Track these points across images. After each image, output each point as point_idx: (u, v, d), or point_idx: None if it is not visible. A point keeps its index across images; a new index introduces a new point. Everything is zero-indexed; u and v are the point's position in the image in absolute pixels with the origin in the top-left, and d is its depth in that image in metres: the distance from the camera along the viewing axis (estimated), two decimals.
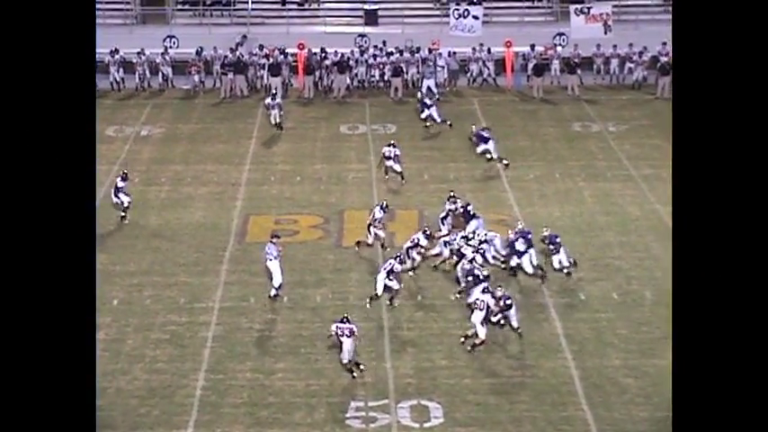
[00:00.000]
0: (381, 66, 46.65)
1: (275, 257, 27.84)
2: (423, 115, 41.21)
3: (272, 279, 27.89)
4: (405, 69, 46.41)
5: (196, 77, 46.41)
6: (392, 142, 36.66)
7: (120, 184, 32.67)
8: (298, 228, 32.42)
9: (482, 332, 25.12)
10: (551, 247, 29.26)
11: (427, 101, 41.42)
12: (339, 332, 24.48)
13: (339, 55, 46.25)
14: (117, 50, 46.49)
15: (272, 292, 27.81)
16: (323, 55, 46.44)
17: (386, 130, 41.57)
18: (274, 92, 38.25)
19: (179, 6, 53.01)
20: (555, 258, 29.19)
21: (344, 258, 30.35)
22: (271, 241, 28.23)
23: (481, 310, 25.19)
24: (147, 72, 47.00)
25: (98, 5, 51.75)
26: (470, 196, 34.53)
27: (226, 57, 46.24)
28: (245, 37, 48.57)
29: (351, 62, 46.44)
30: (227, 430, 22.54)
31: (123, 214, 32.49)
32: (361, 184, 36.03)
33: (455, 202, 31.18)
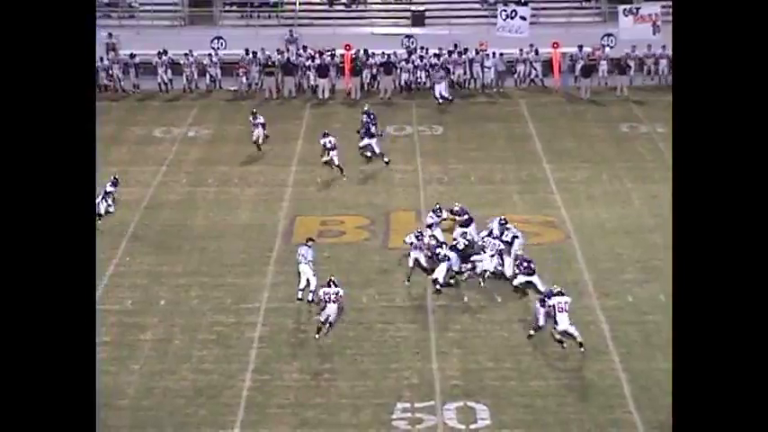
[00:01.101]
0: (428, 67, 46.57)
1: (307, 261, 27.94)
2: (361, 144, 38.67)
3: (299, 282, 28.00)
4: (451, 70, 46.32)
5: (243, 79, 46.55)
6: (326, 131, 37.24)
7: (109, 188, 32.82)
8: (344, 229, 32.43)
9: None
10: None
11: (372, 129, 38.67)
12: (326, 297, 25.86)
13: (386, 56, 46.26)
14: (165, 52, 46.73)
15: (300, 295, 27.88)
16: (369, 56, 46.48)
17: (432, 131, 41.52)
18: (255, 110, 37.90)
19: (226, 8, 53.21)
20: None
21: (391, 259, 30.30)
22: (306, 244, 28.32)
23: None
24: (195, 73, 47.21)
25: (147, 7, 52.42)
26: (517, 198, 34.48)
27: (269, 57, 46.35)
28: (293, 37, 48.71)
29: (397, 63, 46.42)
30: (274, 431, 22.57)
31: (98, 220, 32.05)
32: (407, 185, 35.98)
33: (440, 215, 30.78)
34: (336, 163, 36.38)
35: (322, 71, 45.91)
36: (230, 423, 22.80)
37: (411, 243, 28.94)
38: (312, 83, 46.32)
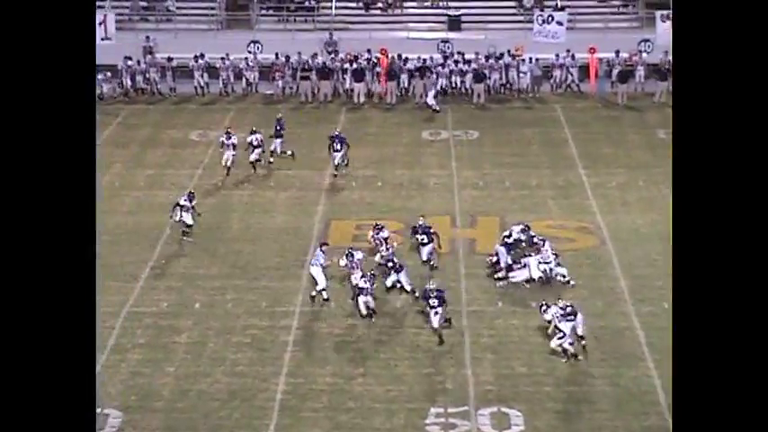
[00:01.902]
0: (463, 72, 46.54)
1: (319, 264, 28.09)
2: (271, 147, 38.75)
3: (316, 284, 28.09)
4: (487, 75, 46.26)
5: (279, 83, 46.67)
6: (254, 129, 37.71)
7: (183, 202, 32.01)
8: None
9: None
10: (423, 237, 29.91)
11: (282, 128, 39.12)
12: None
13: (421, 60, 46.27)
14: (202, 55, 46.93)
15: (313, 293, 28.01)
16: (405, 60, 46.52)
17: (468, 135, 41.48)
18: (228, 130, 37.40)
19: (263, 12, 53.35)
20: (424, 250, 29.91)
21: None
22: (320, 249, 28.39)
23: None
24: (231, 77, 47.37)
25: (183, 11, 52.65)
26: (552, 203, 34.38)
27: (307, 62, 46.45)
28: (333, 41, 48.82)
29: (433, 68, 46.42)
30: None
31: (188, 233, 31.96)
32: (442, 190, 35.95)
33: (378, 232, 30.31)
34: (254, 159, 37.22)
35: (358, 75, 45.97)
36: (264, 426, 22.83)
37: (345, 264, 28.47)
38: (348, 87, 46.38)
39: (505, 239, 29.57)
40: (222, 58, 47.14)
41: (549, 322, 25.48)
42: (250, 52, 48.58)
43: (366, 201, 35.13)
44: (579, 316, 25.53)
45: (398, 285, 28.38)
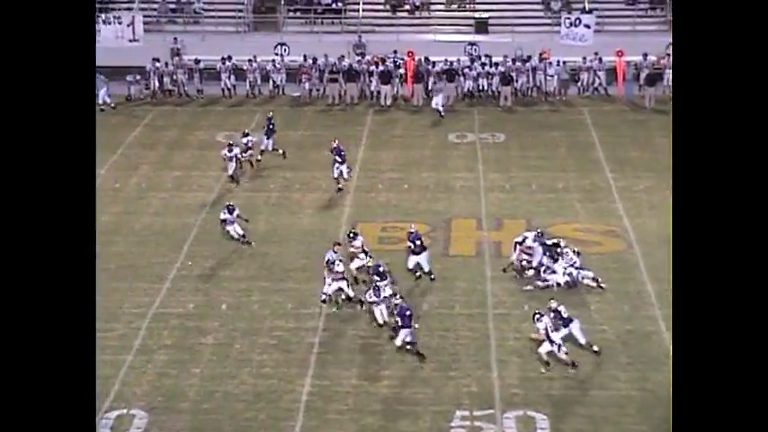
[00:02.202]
0: (490, 75, 46.50)
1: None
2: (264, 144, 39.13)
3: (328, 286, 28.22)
4: (514, 78, 46.19)
5: (306, 85, 46.73)
6: (247, 131, 38.13)
7: (224, 215, 31.63)
8: (404, 236, 32.34)
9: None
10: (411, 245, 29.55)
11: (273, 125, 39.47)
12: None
13: (448, 63, 46.25)
14: (229, 57, 47.04)
15: (322, 297, 28.12)
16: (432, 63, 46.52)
17: (494, 138, 41.42)
18: (231, 143, 36.92)
19: (290, 14, 53.43)
20: (412, 259, 29.52)
21: (451, 267, 30.26)
22: (333, 250, 28.47)
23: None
24: (258, 79, 47.47)
25: (210, 13, 52.76)
26: (579, 206, 34.29)
27: (334, 64, 46.50)
28: (361, 43, 48.88)
29: (460, 71, 46.40)
30: None
31: (246, 241, 31.80)
32: (468, 192, 35.91)
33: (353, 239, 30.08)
34: (245, 159, 37.46)
35: (384, 78, 45.98)
36: (289, 428, 22.86)
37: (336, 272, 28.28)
38: (374, 89, 46.38)
39: (517, 244, 29.47)
40: (249, 60, 47.23)
41: (539, 332, 25.10)
42: (277, 54, 48.73)
43: (392, 203, 35.12)
44: (576, 323, 25.41)
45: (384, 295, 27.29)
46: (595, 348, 25.43)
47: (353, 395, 24.03)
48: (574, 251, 29.09)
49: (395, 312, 25.73)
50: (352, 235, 29.95)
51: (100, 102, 45.22)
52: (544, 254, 29.02)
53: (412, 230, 29.76)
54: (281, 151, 38.78)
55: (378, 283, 27.07)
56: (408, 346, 25.47)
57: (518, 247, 29.44)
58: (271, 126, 38.98)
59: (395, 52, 47.15)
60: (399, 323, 25.53)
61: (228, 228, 31.56)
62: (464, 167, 38.36)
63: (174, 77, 47.60)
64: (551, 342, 24.77)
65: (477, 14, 52.11)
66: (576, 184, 36.47)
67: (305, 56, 47.14)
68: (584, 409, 23.41)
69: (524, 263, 29.35)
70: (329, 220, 33.56)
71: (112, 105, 45.40)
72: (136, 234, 32.62)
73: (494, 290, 28.80)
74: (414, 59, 46.53)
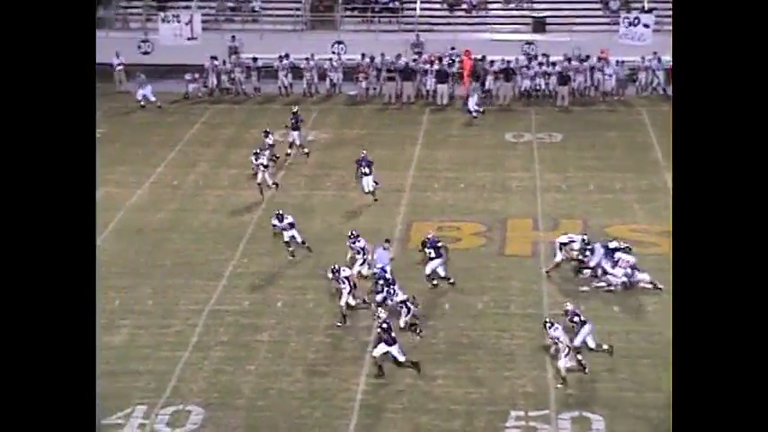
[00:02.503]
0: (547, 74, 46.32)
1: (384, 265, 28.21)
2: (291, 138, 39.59)
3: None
4: (572, 77, 45.96)
5: (363, 84, 46.78)
6: (267, 130, 38.16)
7: (275, 221, 31.07)
8: (460, 235, 32.37)
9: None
10: (431, 252, 28.97)
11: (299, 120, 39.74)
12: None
13: (505, 62, 46.12)
14: (287, 56, 47.20)
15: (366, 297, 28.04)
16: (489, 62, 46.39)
17: (551, 138, 41.26)
18: (257, 151, 35.95)
19: (348, 13, 53.52)
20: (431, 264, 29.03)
21: (506, 266, 30.17)
22: (383, 247, 28.45)
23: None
24: (315, 77, 47.60)
25: (268, 11, 52.98)
26: (636, 207, 34.08)
27: (392, 63, 46.52)
28: (419, 42, 48.90)
29: (517, 70, 46.27)
30: None
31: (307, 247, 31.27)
32: (524, 192, 35.79)
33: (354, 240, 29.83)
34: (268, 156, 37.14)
35: (441, 77, 45.93)
36: (344, 426, 22.87)
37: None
38: (430, 88, 46.34)
39: (561, 245, 29.24)
40: (306, 59, 47.38)
41: (556, 340, 24.60)
42: (334, 53, 48.87)
43: (448, 202, 35.08)
44: (589, 326, 25.18)
45: (389, 301, 26.84)
46: (605, 347, 25.21)
47: (408, 394, 24.00)
48: (629, 252, 28.86)
49: (377, 321, 24.95)
50: (353, 236, 29.52)
51: (139, 99, 45.64)
52: (605, 255, 28.82)
53: (429, 236, 29.40)
54: (306, 150, 39.11)
55: (387, 289, 26.78)
56: (392, 360, 24.80)
57: (563, 248, 29.25)
58: (296, 121, 39.18)
59: (452, 48, 47.15)
60: (381, 335, 24.66)
61: (285, 234, 30.73)
62: (520, 167, 38.24)
63: (232, 76, 47.86)
64: (565, 348, 24.30)
65: (534, 13, 51.94)
66: (634, 184, 36.23)
67: (362, 54, 47.21)
68: (640, 410, 23.23)
69: (581, 263, 29.15)
70: (384, 220, 33.56)
71: (158, 104, 45.70)
72: (193, 231, 32.80)
73: (549, 290, 28.67)
74: (470, 58, 46.44)
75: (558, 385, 24.08)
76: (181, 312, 27.76)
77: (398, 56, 46.94)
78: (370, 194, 34.84)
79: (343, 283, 27.23)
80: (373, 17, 52.88)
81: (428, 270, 29.05)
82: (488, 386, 24.22)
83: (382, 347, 24.61)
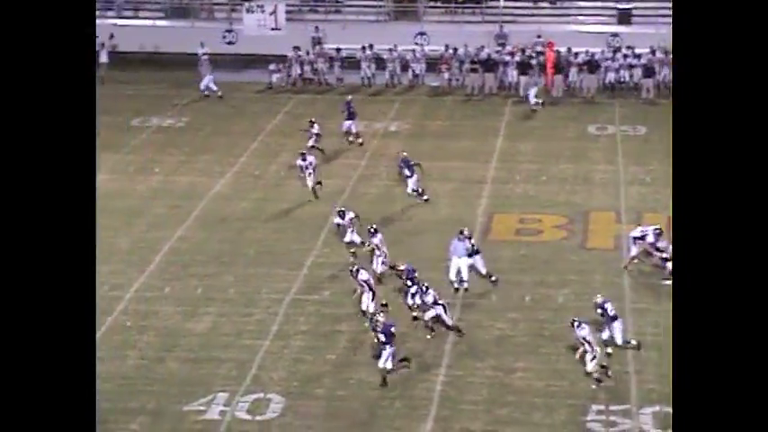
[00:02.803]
0: (632, 66, 45.89)
1: (461, 256, 28.00)
2: (345, 127, 39.86)
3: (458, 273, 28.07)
4: (657, 70, 45.47)
5: (446, 75, 46.70)
6: (313, 120, 38.15)
7: (338, 220, 30.67)
8: (542, 227, 32.21)
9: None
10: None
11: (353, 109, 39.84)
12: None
13: (590, 54, 45.78)
14: (371, 46, 47.27)
15: (456, 285, 28.01)
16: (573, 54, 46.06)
17: (635, 131, 40.90)
18: (304, 152, 35.12)
19: (431, 3, 53.45)
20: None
21: (588, 260, 29.97)
22: (458, 238, 28.26)
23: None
24: (398, 68, 47.60)
25: (352, 2, 53.14)
26: None
27: (475, 54, 46.39)
28: (503, 33, 48.75)
29: (601, 62, 45.90)
30: (466, 426, 22.54)
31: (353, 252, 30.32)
32: (607, 185, 35.52)
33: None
34: (318, 146, 37.56)
35: (523, 68, 45.68)
36: (422, 417, 22.87)
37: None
38: (513, 80, 46.11)
39: (636, 239, 28.91)
40: (389, 50, 47.42)
41: (584, 340, 24.07)
42: (417, 44, 48.86)
43: (530, 194, 34.92)
44: (619, 322, 24.91)
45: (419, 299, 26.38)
46: (634, 342, 24.98)
47: (487, 386, 23.94)
48: None
49: (378, 329, 24.35)
50: (372, 231, 29.17)
51: (202, 89, 46.00)
52: None
53: (464, 232, 28.81)
54: (360, 140, 39.21)
55: (412, 289, 26.45)
56: (397, 364, 24.34)
57: (637, 242, 28.93)
58: (350, 110, 39.33)
59: (539, 36, 46.93)
60: (383, 341, 24.17)
61: (346, 237, 30.08)
62: (603, 160, 37.95)
63: (315, 66, 48.03)
64: (592, 349, 23.92)
65: (620, 5, 51.46)
66: None
67: (446, 46, 47.11)
68: None
69: (660, 256, 28.81)
70: (466, 211, 33.49)
71: (219, 94, 45.98)
72: (275, 221, 33.00)
73: (631, 284, 28.45)
74: (553, 50, 46.15)
75: (593, 386, 23.75)
76: (262, 301, 27.95)
77: (481, 47, 46.78)
78: (416, 194, 33.89)
79: (362, 285, 26.78)
80: (457, 8, 52.75)
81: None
82: (569, 379, 24.07)
83: (387, 352, 24.06)
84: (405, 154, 34.53)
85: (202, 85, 46.26)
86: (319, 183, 34.53)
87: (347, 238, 30.13)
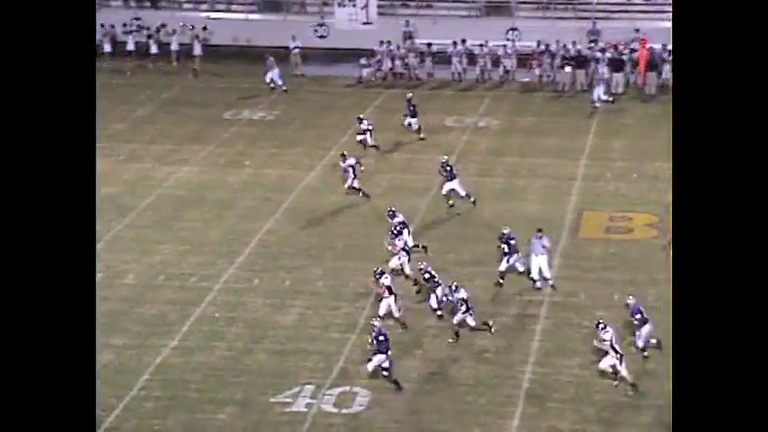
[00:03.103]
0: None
1: (538, 254, 27.87)
2: (405, 122, 39.88)
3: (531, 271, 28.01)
4: None
5: (536, 71, 46.46)
6: (360, 116, 38.12)
7: (388, 219, 30.24)
8: (632, 226, 31.92)
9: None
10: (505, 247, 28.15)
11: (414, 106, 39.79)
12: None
13: None
14: (463, 41, 47.16)
15: (539, 285, 27.88)
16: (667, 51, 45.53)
17: None
18: (344, 153, 34.83)
19: None
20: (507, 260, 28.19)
21: None
22: (536, 237, 28.12)
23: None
24: (489, 64, 47.45)
25: None
26: None
27: (567, 50, 46.07)
28: (595, 29, 48.36)
29: None
30: (553, 425, 22.43)
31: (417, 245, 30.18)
32: None
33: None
34: (371, 143, 37.58)
35: (616, 65, 45.25)
36: (509, 414, 22.79)
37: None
38: (605, 76, 45.67)
39: None
40: (481, 45, 47.27)
41: (606, 344, 23.65)
42: (508, 39, 48.61)
43: (621, 192, 34.62)
44: (649, 325, 24.59)
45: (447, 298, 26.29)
46: (654, 341, 24.74)
47: (575, 384, 23.78)
48: None
49: (371, 333, 24.05)
50: (396, 232, 28.93)
51: (268, 82, 46.21)
52: None
53: (506, 232, 28.46)
54: (422, 135, 39.32)
55: (437, 286, 26.51)
56: (384, 373, 23.89)
57: None
58: (411, 107, 39.33)
59: (636, 30, 46.47)
60: (375, 347, 23.78)
61: (397, 239, 29.19)
62: None
63: (406, 61, 48.04)
64: (616, 353, 23.49)
65: None
66: None
67: (538, 41, 46.86)
68: None
69: None
70: (555, 208, 33.30)
71: (284, 88, 46.16)
72: (363, 214, 33.07)
73: None
74: (645, 47, 45.64)
75: (615, 383, 23.54)
76: (350, 295, 28.03)
77: (573, 43, 46.44)
78: (447, 199, 33.15)
79: (383, 290, 26.37)
80: (549, 4, 52.41)
81: (503, 266, 28.24)
82: (658, 379, 23.81)
83: (378, 358, 23.78)
84: (446, 158, 33.90)
85: (267, 78, 46.52)
86: (353, 188, 34.10)
87: (399, 243, 29.23)
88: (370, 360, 24.03)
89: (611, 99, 43.16)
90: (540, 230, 28.40)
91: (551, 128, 40.98)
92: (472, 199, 33.31)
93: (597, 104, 42.92)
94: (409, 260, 28.38)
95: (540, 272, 27.98)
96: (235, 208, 34.09)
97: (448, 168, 33.13)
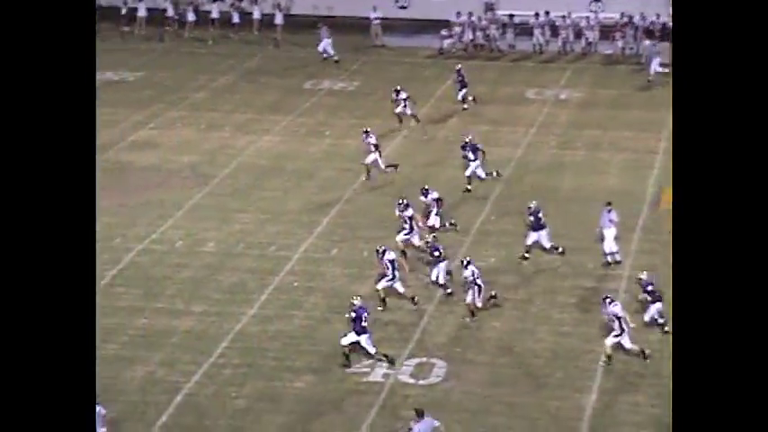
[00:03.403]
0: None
1: (607, 226, 27.68)
2: (460, 95, 40.02)
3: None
4: None
5: (619, 43, 46.00)
6: (399, 87, 37.95)
7: (421, 197, 30.04)
8: None
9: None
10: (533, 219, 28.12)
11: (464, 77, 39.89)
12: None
13: None
14: (547, 12, 46.78)
15: (609, 258, 27.80)
16: None
17: None
18: (367, 130, 33.97)
19: None
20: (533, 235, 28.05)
21: None
22: (606, 210, 27.90)
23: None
24: (571, 36, 47.07)
25: None
26: None
27: (652, 22, 45.55)
28: None
29: None
30: (632, 399, 22.27)
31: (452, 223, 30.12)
32: None
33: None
34: (409, 113, 37.56)
35: None
36: (587, 388, 22.66)
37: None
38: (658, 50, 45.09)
39: None
40: (563, 17, 46.91)
41: (615, 317, 23.40)
42: (592, 11, 48.17)
43: None
44: (659, 303, 24.37)
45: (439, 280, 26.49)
46: (661, 322, 24.46)
47: (657, 360, 23.50)
48: None
49: (353, 311, 23.62)
50: (402, 204, 28.65)
51: (321, 51, 46.14)
52: None
53: (531, 206, 28.31)
54: (466, 105, 39.38)
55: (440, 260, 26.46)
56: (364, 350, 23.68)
57: None
58: (461, 78, 39.39)
59: None
60: (353, 325, 23.43)
61: (432, 219, 29.44)
62: None
63: (487, 32, 47.79)
64: (621, 329, 23.24)
65: None
66: None
67: (621, 13, 46.38)
68: None
69: None
70: (636, 182, 33.01)
71: (335, 59, 46.07)
72: (441, 186, 32.94)
73: None
74: None
75: (601, 363, 23.32)
76: (427, 266, 27.98)
77: (658, 15, 45.88)
78: (468, 182, 32.70)
79: (387, 266, 26.01)
80: None
81: (529, 240, 28.17)
82: None
83: (351, 337, 23.52)
84: (471, 137, 33.39)
85: (321, 48, 46.51)
86: (366, 169, 33.70)
87: (430, 221, 29.46)
88: (345, 335, 23.65)
89: (654, 72, 42.47)
90: (609, 203, 28.15)
91: (633, 101, 40.59)
92: (469, 186, 32.72)
93: (651, 78, 42.39)
94: (414, 236, 28.39)
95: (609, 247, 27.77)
96: (314, 178, 34.20)
97: (474, 148, 32.58)
